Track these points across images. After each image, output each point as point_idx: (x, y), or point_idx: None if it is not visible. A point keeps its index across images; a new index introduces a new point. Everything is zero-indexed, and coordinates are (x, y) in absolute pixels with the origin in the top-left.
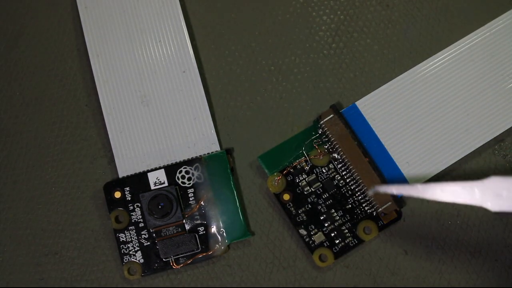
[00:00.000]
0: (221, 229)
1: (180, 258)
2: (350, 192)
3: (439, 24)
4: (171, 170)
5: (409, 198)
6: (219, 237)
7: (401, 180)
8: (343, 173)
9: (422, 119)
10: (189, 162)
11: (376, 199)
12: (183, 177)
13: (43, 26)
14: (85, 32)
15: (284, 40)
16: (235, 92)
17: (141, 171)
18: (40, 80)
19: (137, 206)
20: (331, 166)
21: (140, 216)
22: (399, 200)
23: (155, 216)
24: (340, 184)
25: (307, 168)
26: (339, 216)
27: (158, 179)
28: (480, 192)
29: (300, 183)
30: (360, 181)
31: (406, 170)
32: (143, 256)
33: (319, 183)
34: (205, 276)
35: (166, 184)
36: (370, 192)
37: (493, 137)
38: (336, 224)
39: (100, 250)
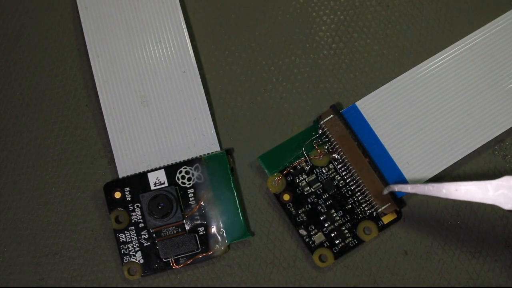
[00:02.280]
0: (221, 229)
1: (180, 258)
2: (350, 193)
3: (439, 24)
4: (171, 170)
5: (408, 197)
6: (219, 237)
7: (401, 180)
8: (343, 174)
9: (422, 119)
10: (189, 162)
11: (376, 199)
12: (183, 177)
13: (43, 26)
14: (85, 32)
15: (284, 40)
16: (235, 92)
17: (141, 171)
18: (40, 80)
19: (137, 206)
20: (331, 166)
21: (140, 216)
22: (399, 200)
23: (155, 216)
24: (340, 184)
25: (307, 168)
26: (339, 217)
27: (158, 179)
28: (493, 190)
29: (300, 184)
30: (360, 181)
31: (406, 170)
32: (143, 256)
33: (319, 184)
34: (205, 276)
35: (166, 184)
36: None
37: (493, 138)
38: (336, 224)
39: (100, 250)
